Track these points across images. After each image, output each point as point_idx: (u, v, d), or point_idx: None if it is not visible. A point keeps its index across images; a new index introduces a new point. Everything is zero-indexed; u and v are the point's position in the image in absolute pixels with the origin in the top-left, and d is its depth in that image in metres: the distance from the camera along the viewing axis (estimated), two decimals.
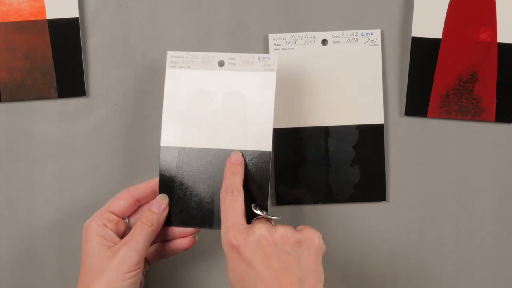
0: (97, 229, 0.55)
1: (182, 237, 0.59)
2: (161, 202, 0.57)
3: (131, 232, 0.56)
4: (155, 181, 0.59)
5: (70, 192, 0.64)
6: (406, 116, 0.65)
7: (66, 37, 0.63)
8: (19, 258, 0.64)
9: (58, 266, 0.65)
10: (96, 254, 0.54)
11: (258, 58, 0.58)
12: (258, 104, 0.58)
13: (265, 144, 0.58)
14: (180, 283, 0.65)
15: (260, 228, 0.52)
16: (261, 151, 0.58)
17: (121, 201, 0.57)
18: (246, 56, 0.58)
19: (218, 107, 0.58)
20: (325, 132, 0.64)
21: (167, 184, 0.58)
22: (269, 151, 0.57)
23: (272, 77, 0.58)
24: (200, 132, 0.58)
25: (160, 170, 0.58)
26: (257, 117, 0.58)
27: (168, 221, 0.58)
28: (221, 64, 0.58)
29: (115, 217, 0.57)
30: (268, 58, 0.58)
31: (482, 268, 0.66)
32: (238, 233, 0.52)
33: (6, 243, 0.64)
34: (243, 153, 0.58)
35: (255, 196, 0.57)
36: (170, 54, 0.59)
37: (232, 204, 0.54)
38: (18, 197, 0.64)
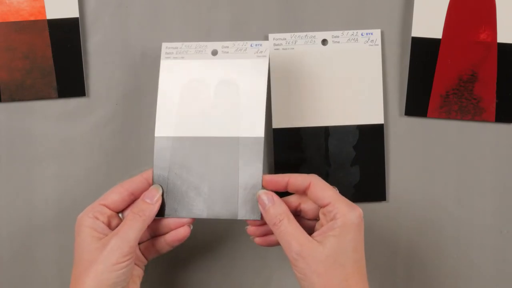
0: (88, 221, 0.55)
1: (178, 227, 0.58)
2: (154, 193, 0.57)
3: (122, 223, 0.55)
4: (149, 172, 0.58)
5: (70, 192, 0.64)
6: (406, 116, 0.65)
7: (66, 37, 0.63)
8: (19, 257, 0.65)
9: (58, 265, 0.65)
10: (86, 246, 0.54)
11: (251, 45, 0.58)
12: (251, 90, 0.58)
13: (258, 130, 0.58)
14: (179, 282, 0.65)
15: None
16: (254, 137, 0.58)
17: (114, 195, 0.57)
18: (239, 44, 0.59)
19: (212, 96, 0.58)
20: (325, 132, 0.64)
21: (162, 174, 0.58)
22: (262, 137, 0.57)
23: (264, 63, 0.58)
24: (194, 121, 0.58)
25: (154, 160, 0.58)
26: (250, 103, 0.58)
27: (162, 212, 0.58)
28: (214, 53, 0.59)
29: (107, 210, 0.56)
30: (261, 45, 0.58)
31: (482, 268, 0.66)
32: (359, 209, 0.55)
33: (6, 242, 0.64)
34: (237, 140, 0.58)
35: (247, 186, 0.57)
36: (164, 45, 0.59)
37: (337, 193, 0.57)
38: (18, 197, 0.64)
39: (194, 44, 0.59)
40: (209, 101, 0.58)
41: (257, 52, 0.58)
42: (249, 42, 0.58)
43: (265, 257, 0.65)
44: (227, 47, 0.59)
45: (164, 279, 0.65)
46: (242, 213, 0.57)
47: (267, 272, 0.65)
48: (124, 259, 0.53)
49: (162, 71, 0.59)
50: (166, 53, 0.59)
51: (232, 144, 0.58)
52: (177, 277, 0.65)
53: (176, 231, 0.58)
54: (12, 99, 0.64)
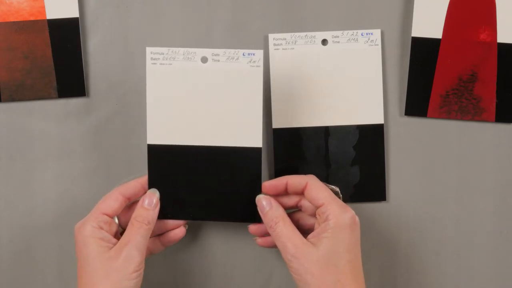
0: (94, 231, 0.55)
1: (174, 228, 0.60)
2: (152, 198, 0.58)
3: (129, 231, 0.56)
4: (144, 178, 0.59)
5: (70, 192, 0.64)
6: (406, 116, 0.65)
7: (66, 37, 0.63)
8: (19, 258, 0.65)
9: (58, 266, 0.65)
10: (96, 256, 0.54)
11: (243, 54, 0.57)
12: (246, 100, 0.57)
13: (255, 140, 0.58)
14: (179, 282, 0.65)
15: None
16: (251, 148, 0.58)
17: (112, 202, 0.57)
18: (230, 52, 0.57)
19: (204, 104, 0.58)
20: (325, 132, 0.64)
21: (156, 181, 0.58)
22: (260, 147, 0.58)
23: (258, 74, 0.57)
24: (186, 129, 0.58)
25: (148, 168, 0.59)
26: (245, 113, 0.57)
27: (161, 215, 0.58)
28: (204, 60, 0.58)
29: (108, 219, 0.57)
30: (253, 54, 0.57)
31: (482, 268, 0.66)
32: (351, 211, 0.56)
33: (6, 243, 0.64)
34: (235, 150, 0.58)
35: (246, 192, 0.58)
36: (149, 50, 0.58)
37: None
38: (18, 197, 0.64)
39: (181, 50, 0.57)
40: (201, 109, 0.58)
41: (250, 62, 0.57)
42: (241, 51, 0.57)
43: (265, 257, 0.65)
44: (218, 55, 0.57)
45: (164, 279, 0.65)
46: (243, 218, 0.58)
47: (267, 272, 0.65)
48: (139, 266, 0.54)
49: (149, 77, 0.58)
50: (152, 58, 0.57)
51: (229, 154, 0.58)
52: (177, 277, 0.65)
53: (173, 232, 0.59)
54: (12, 99, 0.64)
